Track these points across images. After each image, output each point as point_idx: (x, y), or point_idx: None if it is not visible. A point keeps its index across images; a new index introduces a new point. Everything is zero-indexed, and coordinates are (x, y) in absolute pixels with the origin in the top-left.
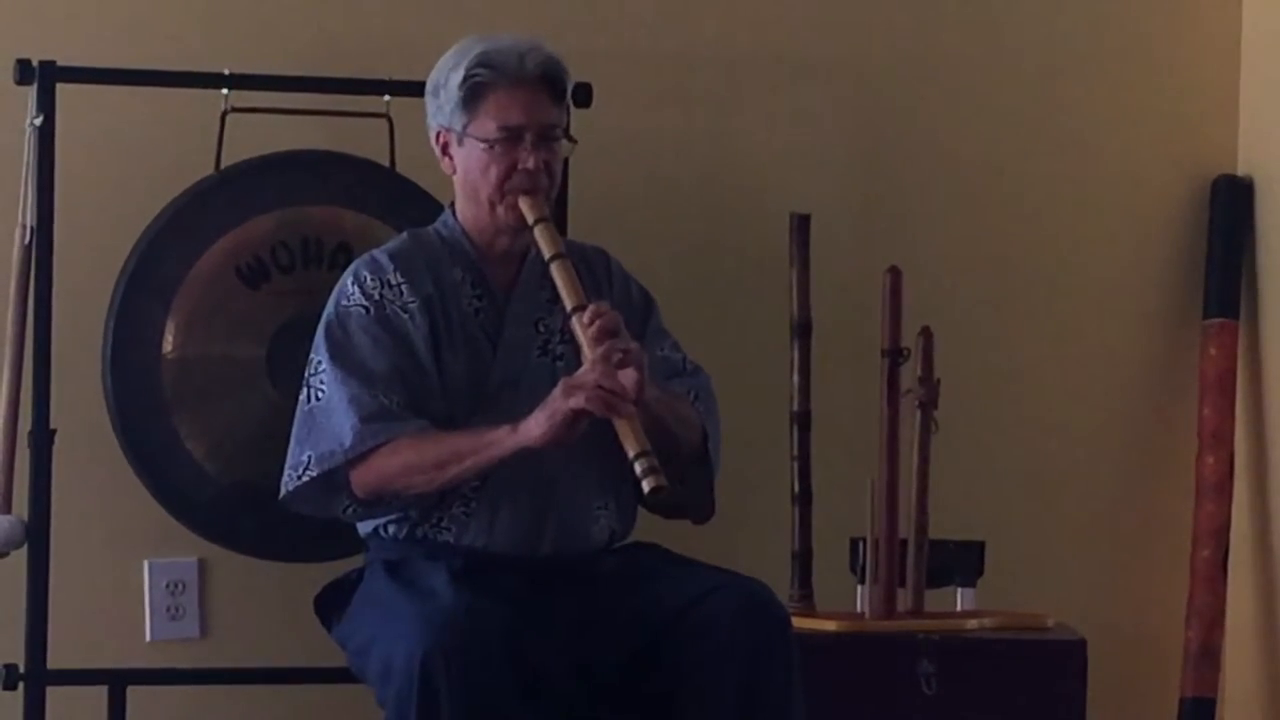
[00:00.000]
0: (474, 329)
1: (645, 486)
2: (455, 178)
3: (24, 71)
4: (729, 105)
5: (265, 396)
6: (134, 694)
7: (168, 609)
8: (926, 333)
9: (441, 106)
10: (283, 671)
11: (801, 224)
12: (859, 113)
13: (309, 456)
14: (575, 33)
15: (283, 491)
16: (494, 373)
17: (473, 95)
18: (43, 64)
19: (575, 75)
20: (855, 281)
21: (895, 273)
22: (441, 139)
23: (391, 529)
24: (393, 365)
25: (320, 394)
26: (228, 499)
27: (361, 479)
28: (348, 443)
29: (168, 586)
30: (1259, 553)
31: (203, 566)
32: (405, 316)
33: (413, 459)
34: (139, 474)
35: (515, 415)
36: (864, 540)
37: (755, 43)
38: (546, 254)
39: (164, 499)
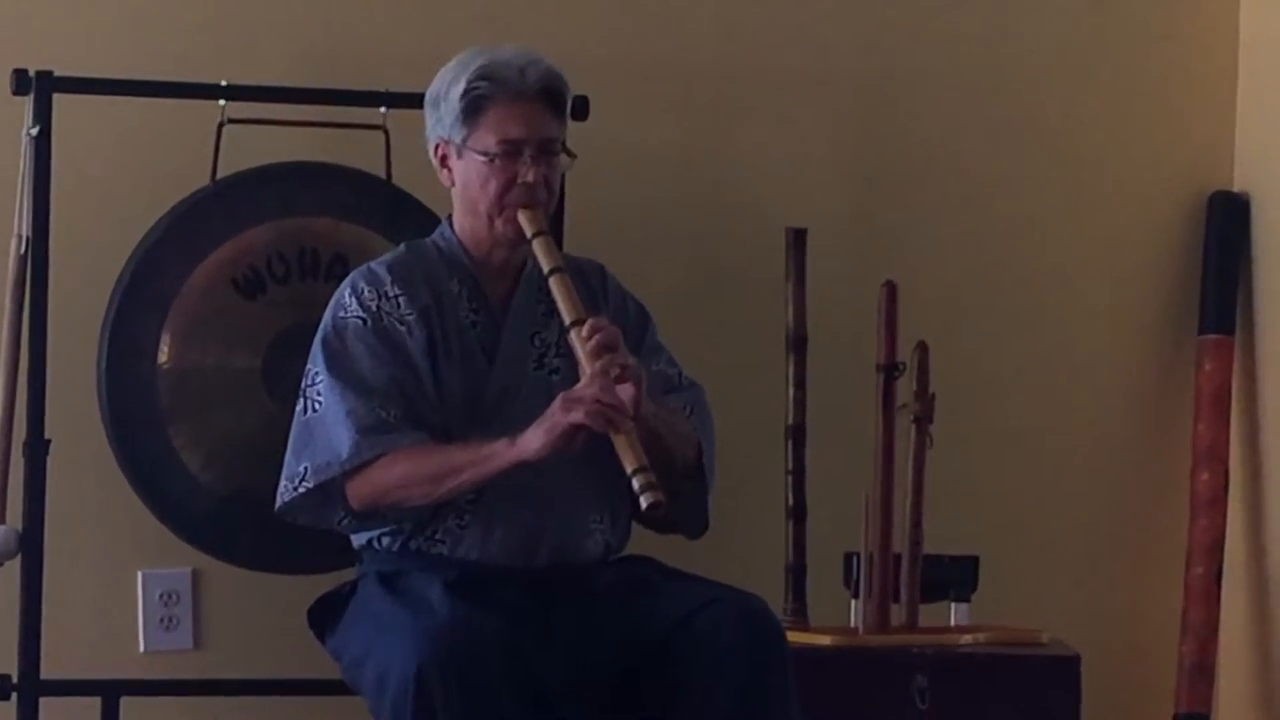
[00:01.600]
0: (471, 341)
1: (643, 502)
2: (453, 190)
3: (20, 81)
4: (726, 119)
5: (261, 407)
6: (127, 705)
7: (161, 619)
8: (922, 347)
9: (441, 118)
10: (277, 683)
11: (798, 238)
12: (856, 126)
13: (305, 468)
14: (572, 45)
15: (279, 502)
16: (490, 385)
17: (473, 108)
18: (39, 74)
19: (571, 88)
20: (851, 296)
21: (891, 287)
22: (440, 151)
23: (385, 541)
24: (390, 377)
25: (317, 405)
26: (223, 510)
27: (358, 491)
28: (345, 454)
29: (161, 597)
30: (1253, 568)
31: (196, 577)
32: (402, 329)
33: (410, 471)
34: (134, 484)
35: (511, 428)
36: (858, 555)
37: (752, 57)
38: (545, 267)
39: (159, 510)
